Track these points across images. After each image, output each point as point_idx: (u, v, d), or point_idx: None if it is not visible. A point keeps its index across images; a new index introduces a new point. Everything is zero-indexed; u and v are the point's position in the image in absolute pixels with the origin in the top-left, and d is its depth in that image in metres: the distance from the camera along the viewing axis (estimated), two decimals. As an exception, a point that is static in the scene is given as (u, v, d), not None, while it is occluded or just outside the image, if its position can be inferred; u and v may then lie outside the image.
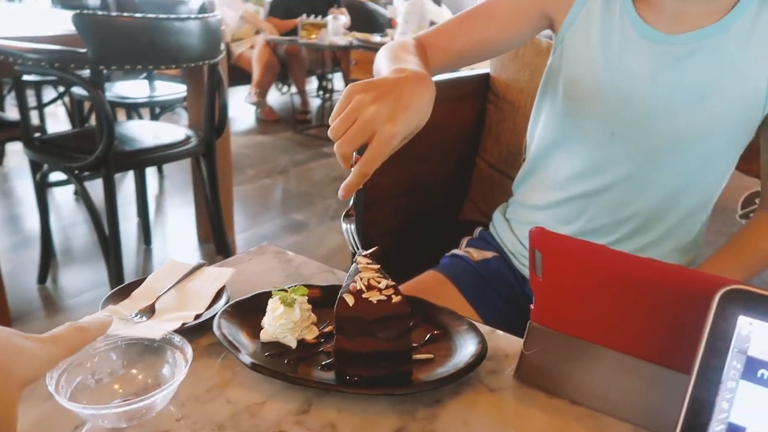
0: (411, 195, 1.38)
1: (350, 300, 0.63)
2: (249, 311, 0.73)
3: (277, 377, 0.62)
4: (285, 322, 0.68)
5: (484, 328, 0.76)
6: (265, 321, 0.70)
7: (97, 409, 0.54)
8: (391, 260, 1.27)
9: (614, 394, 0.61)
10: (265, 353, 0.67)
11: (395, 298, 0.63)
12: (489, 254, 1.14)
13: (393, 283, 0.66)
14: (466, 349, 0.68)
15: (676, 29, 0.87)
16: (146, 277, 0.80)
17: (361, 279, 0.66)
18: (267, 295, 0.73)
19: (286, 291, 0.71)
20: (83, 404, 0.55)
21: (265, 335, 0.69)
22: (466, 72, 1.44)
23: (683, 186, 0.93)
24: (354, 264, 0.71)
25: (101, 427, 0.56)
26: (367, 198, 1.24)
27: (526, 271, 1.09)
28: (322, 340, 0.70)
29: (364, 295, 0.63)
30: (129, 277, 2.17)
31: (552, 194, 1.04)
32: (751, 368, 0.40)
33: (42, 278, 2.26)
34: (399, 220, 1.38)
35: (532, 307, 0.65)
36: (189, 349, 0.58)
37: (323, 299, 0.75)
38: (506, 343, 0.73)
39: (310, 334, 0.70)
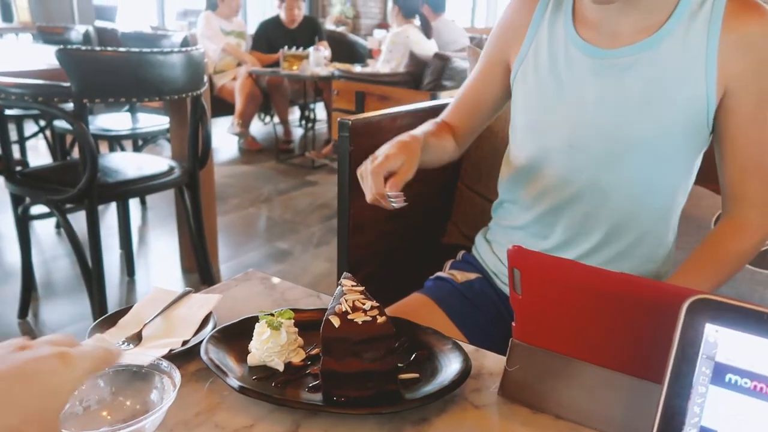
0: (395, 220, 1.40)
1: (336, 321, 0.64)
2: (236, 336, 0.73)
3: (264, 400, 0.63)
4: (272, 345, 0.69)
5: (468, 347, 0.77)
6: (252, 345, 0.71)
7: None
8: (377, 283, 1.29)
9: (595, 407, 0.62)
10: (253, 377, 0.68)
11: (380, 319, 0.65)
12: (472, 275, 1.16)
13: (377, 304, 0.68)
14: (450, 367, 0.69)
15: (615, 44, 0.95)
16: (132, 306, 0.81)
17: (346, 301, 0.67)
18: (253, 320, 0.74)
19: (272, 315, 0.72)
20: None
21: (253, 359, 0.70)
22: (440, 101, 1.48)
23: (643, 188, 0.97)
24: (339, 287, 0.73)
25: (90, 454, 0.57)
26: (352, 223, 1.26)
27: (508, 291, 1.11)
28: (309, 362, 0.71)
29: (349, 317, 0.65)
30: (112, 308, 2.14)
31: (526, 213, 1.09)
32: (719, 373, 0.42)
33: (23, 312, 2.23)
34: (384, 244, 1.39)
35: (513, 324, 0.66)
36: (177, 374, 0.59)
37: (309, 322, 0.76)
38: (490, 361, 0.75)
39: (297, 357, 0.71)
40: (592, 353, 0.60)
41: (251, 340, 0.72)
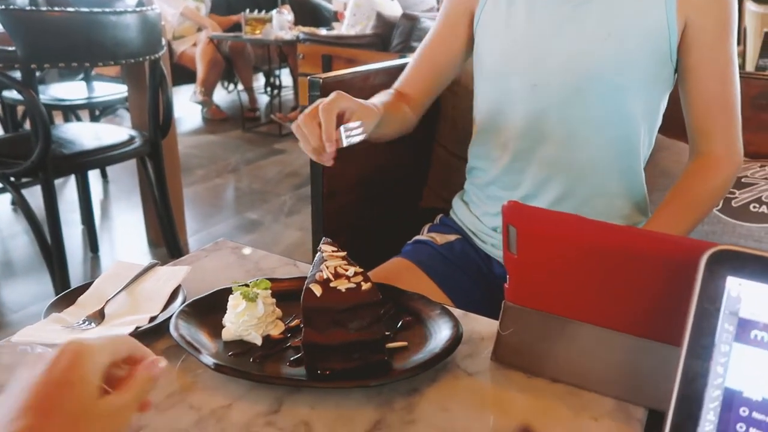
0: (370, 185, 1.35)
1: (317, 290, 0.60)
2: (208, 310, 0.68)
3: (243, 377, 0.58)
4: (248, 318, 0.64)
5: (457, 312, 0.74)
6: (227, 319, 0.66)
7: None
8: (353, 251, 1.23)
9: (595, 369, 0.59)
10: (229, 353, 0.63)
11: (365, 285, 0.60)
12: (452, 237, 1.13)
13: (361, 269, 0.63)
14: (440, 334, 0.65)
15: None
16: (92, 282, 0.74)
17: (327, 267, 0.63)
18: (226, 292, 0.69)
19: (247, 286, 0.66)
20: None
21: (228, 334, 0.65)
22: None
23: (609, 124, 0.96)
24: (319, 252, 0.68)
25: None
26: (326, 189, 1.20)
27: (490, 250, 1.09)
28: (289, 335, 0.67)
29: (331, 284, 0.60)
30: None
31: (495, 164, 1.07)
32: (743, 330, 0.39)
33: (-20, 294, 2.13)
34: (359, 210, 1.34)
35: (506, 285, 0.62)
36: None
37: (287, 292, 0.71)
38: (481, 325, 0.71)
39: (276, 330, 0.66)
40: (595, 314, 0.56)
41: (225, 313, 0.67)
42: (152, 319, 0.67)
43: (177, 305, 0.69)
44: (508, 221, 0.55)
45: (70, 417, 0.40)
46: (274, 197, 3.25)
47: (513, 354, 0.63)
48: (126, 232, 2.85)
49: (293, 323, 0.68)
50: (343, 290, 0.60)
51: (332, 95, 0.78)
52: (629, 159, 1.00)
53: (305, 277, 0.74)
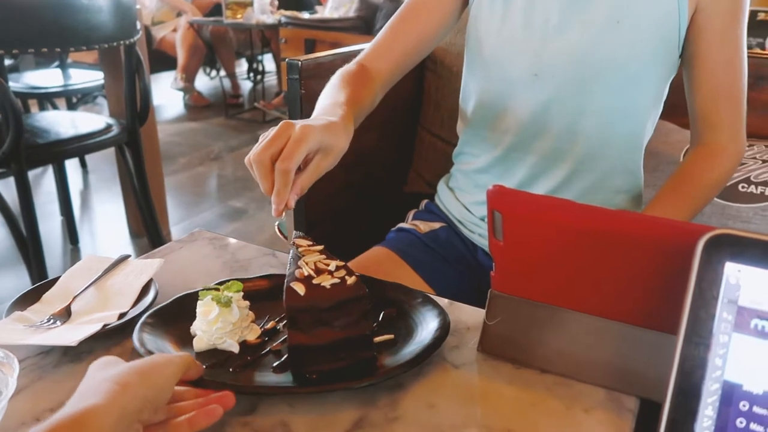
0: (353, 170, 1.32)
1: (300, 289, 0.56)
2: (173, 319, 0.63)
3: (231, 390, 0.52)
4: (222, 325, 0.60)
5: (442, 301, 0.71)
6: (197, 327, 0.62)
7: None
8: (336, 239, 1.20)
9: (586, 359, 0.57)
10: (205, 364, 0.57)
11: (349, 279, 0.57)
12: (436, 225, 1.10)
13: (342, 263, 0.60)
14: (427, 324, 0.63)
15: None
16: (59, 277, 0.71)
17: (306, 264, 0.59)
18: (190, 298, 0.64)
19: (217, 289, 0.62)
20: None
21: (200, 343, 0.61)
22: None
23: (613, 116, 0.92)
24: (292, 248, 0.64)
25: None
26: (306, 175, 1.17)
27: (476, 238, 1.06)
28: (266, 338, 0.63)
29: (314, 281, 0.57)
30: (55, 280, 2.01)
31: (489, 153, 1.03)
32: (743, 319, 0.37)
33: (-44, 288, 2.07)
34: (342, 196, 1.31)
35: (492, 274, 0.60)
36: (14, 362, 0.49)
37: (259, 292, 0.67)
38: (467, 315, 0.69)
39: (252, 335, 0.62)
40: (585, 301, 0.54)
41: (192, 321, 0.62)
42: (122, 315, 0.64)
43: (148, 300, 0.66)
44: (493, 207, 0.52)
45: None
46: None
47: (500, 344, 0.61)
48: (106, 222, 2.80)
49: (269, 325, 0.64)
50: (328, 286, 0.56)
51: (297, 133, 0.63)
52: (632, 153, 0.97)
53: (276, 275, 0.71)
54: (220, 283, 0.64)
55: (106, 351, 0.61)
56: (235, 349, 0.60)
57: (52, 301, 0.67)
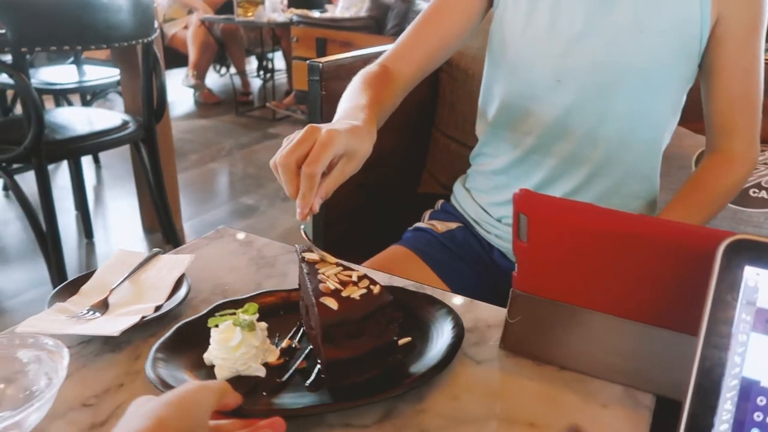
0: (368, 170, 1.34)
1: (332, 303, 0.55)
2: (182, 349, 0.60)
3: (283, 415, 0.51)
4: (246, 349, 0.57)
5: (463, 299, 0.74)
6: (214, 356, 0.58)
7: None
8: (351, 238, 1.23)
9: (604, 357, 0.59)
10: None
11: (375, 289, 0.57)
12: (453, 225, 1.12)
13: (363, 272, 0.60)
14: (439, 324, 0.64)
15: None
16: (94, 271, 0.74)
17: (328, 277, 0.58)
18: (192, 325, 0.62)
19: (233, 314, 0.59)
20: None
21: (223, 372, 0.57)
22: (416, 41, 1.40)
23: (633, 122, 0.94)
24: (302, 263, 0.62)
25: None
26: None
27: (492, 239, 1.08)
28: (287, 357, 0.61)
29: (343, 294, 0.56)
30: (71, 273, 2.05)
31: (508, 155, 1.04)
32: (761, 320, 0.39)
33: (-25, 281, 2.11)
34: (357, 197, 1.33)
35: (514, 274, 0.62)
36: (65, 352, 0.52)
37: (261, 310, 0.63)
38: (487, 313, 0.71)
39: (272, 356, 0.60)
40: (605, 302, 0.56)
41: (201, 349, 0.59)
42: (157, 308, 0.67)
43: (182, 294, 0.69)
44: (519, 209, 0.54)
45: None
46: (268, 182, 3.24)
47: (521, 342, 0.63)
48: (120, 218, 2.83)
49: (284, 344, 0.63)
50: (358, 298, 0.56)
51: (323, 137, 0.63)
52: (650, 159, 0.99)
53: (271, 292, 0.70)
54: (216, 308, 0.63)
55: (143, 342, 0.64)
56: (262, 373, 0.58)
57: (90, 293, 0.70)
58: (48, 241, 1.81)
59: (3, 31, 1.55)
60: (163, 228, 2.22)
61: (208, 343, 0.59)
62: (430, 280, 1.02)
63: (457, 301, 0.74)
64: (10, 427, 0.48)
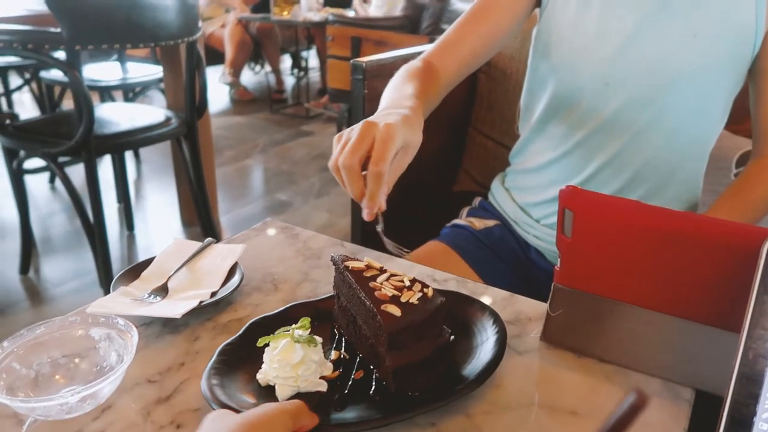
0: (409, 165, 1.37)
1: (395, 310, 0.55)
2: (236, 369, 0.59)
3: (361, 429, 0.52)
4: (308, 366, 0.56)
5: (503, 293, 0.76)
6: (272, 375, 0.56)
7: (37, 401, 0.50)
8: (391, 236, 1.25)
9: (644, 351, 0.61)
10: None
11: (428, 291, 0.58)
12: (491, 222, 1.14)
13: (412, 276, 0.60)
14: (478, 321, 0.65)
15: None
16: (153, 258, 0.78)
17: (382, 284, 0.59)
18: (235, 345, 0.61)
19: (287, 330, 0.57)
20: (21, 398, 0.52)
21: (285, 391, 0.55)
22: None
23: (681, 126, 0.94)
24: (342, 271, 0.62)
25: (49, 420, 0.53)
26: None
27: (530, 239, 1.09)
28: (340, 369, 0.60)
29: (402, 300, 0.56)
30: (115, 263, 2.12)
31: (551, 154, 1.04)
32: (804, 313, 0.40)
33: (24, 269, 2.20)
34: (392, 193, 1.36)
35: (556, 268, 0.64)
36: (134, 332, 0.56)
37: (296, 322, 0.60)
38: (527, 306, 0.73)
39: (327, 369, 0.59)
40: (646, 297, 0.58)
41: (252, 368, 0.58)
42: (213, 294, 0.71)
43: (236, 281, 0.72)
44: (564, 205, 0.56)
45: None
46: (302, 179, 3.29)
47: (562, 334, 0.65)
48: (160, 211, 2.92)
49: (333, 356, 0.62)
50: (417, 302, 0.56)
51: (383, 133, 0.62)
52: (695, 163, 0.98)
53: (303, 303, 0.68)
54: (252, 326, 0.62)
55: (200, 325, 0.68)
56: (324, 388, 0.57)
57: (150, 279, 0.74)
58: (95, 232, 1.88)
59: (58, 29, 1.62)
60: (201, 222, 2.28)
61: (260, 362, 0.58)
62: (467, 275, 1.03)
63: (498, 295, 0.76)
64: (87, 398, 0.52)
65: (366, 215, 0.62)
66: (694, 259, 0.52)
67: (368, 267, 0.62)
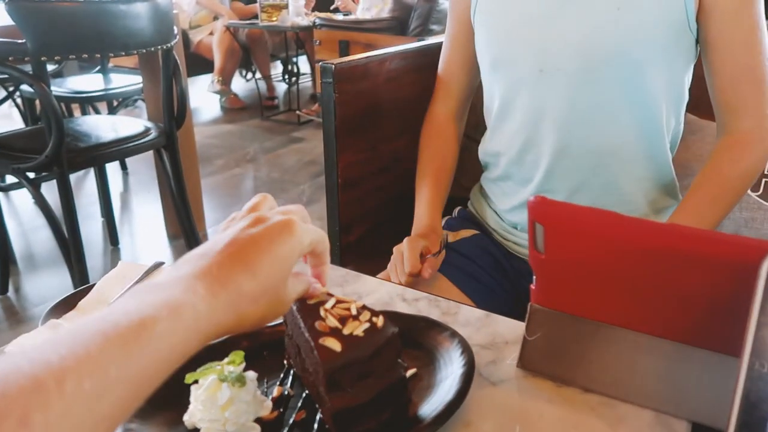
0: (387, 173, 1.30)
1: (335, 345, 0.47)
2: (156, 413, 0.51)
3: None
4: (237, 406, 0.49)
5: (479, 312, 0.69)
6: (198, 418, 0.49)
7: None
8: (371, 243, 1.18)
9: (632, 378, 0.54)
10: None
11: (378, 320, 0.50)
12: (468, 233, 1.08)
13: (361, 302, 0.52)
14: (444, 350, 0.58)
15: None
16: (93, 285, 0.71)
17: (326, 312, 0.50)
18: (162, 387, 0.54)
19: (217, 366, 0.50)
20: None
21: None
22: (432, 41, 1.36)
23: (625, 107, 0.88)
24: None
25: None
26: (341, 180, 1.16)
27: (510, 246, 1.04)
28: (281, 409, 0.53)
29: (345, 332, 0.48)
30: (96, 280, 2.05)
31: (504, 157, 1.01)
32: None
33: (2, 288, 2.13)
34: (375, 199, 1.30)
35: (532, 287, 0.57)
36: None
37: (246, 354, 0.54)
38: (504, 327, 0.66)
39: (265, 409, 0.52)
40: (632, 318, 0.51)
41: (178, 409, 0.51)
42: (155, 324, 0.63)
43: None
44: (534, 218, 0.49)
45: (262, 279, 0.40)
46: (293, 186, 3.23)
47: (541, 361, 0.58)
48: (145, 224, 2.85)
49: (275, 393, 0.55)
50: (362, 334, 0.48)
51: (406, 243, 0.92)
52: (653, 140, 0.93)
53: (265, 327, 0.60)
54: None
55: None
56: (258, 430, 0.50)
57: (87, 309, 0.67)
58: (70, 248, 1.82)
59: (23, 41, 1.56)
60: (185, 235, 2.22)
61: (187, 401, 0.51)
62: (447, 290, 0.97)
63: (472, 315, 0.69)
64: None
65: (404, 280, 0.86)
66: (681, 274, 0.45)
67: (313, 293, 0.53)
